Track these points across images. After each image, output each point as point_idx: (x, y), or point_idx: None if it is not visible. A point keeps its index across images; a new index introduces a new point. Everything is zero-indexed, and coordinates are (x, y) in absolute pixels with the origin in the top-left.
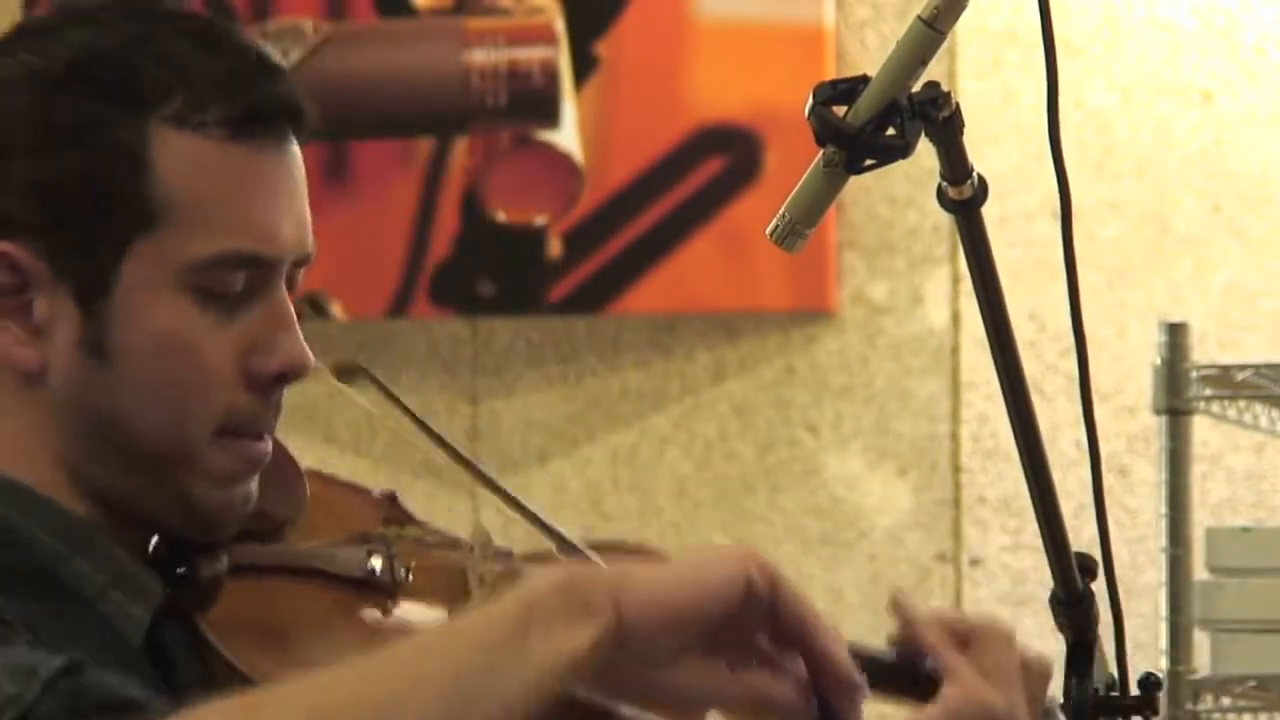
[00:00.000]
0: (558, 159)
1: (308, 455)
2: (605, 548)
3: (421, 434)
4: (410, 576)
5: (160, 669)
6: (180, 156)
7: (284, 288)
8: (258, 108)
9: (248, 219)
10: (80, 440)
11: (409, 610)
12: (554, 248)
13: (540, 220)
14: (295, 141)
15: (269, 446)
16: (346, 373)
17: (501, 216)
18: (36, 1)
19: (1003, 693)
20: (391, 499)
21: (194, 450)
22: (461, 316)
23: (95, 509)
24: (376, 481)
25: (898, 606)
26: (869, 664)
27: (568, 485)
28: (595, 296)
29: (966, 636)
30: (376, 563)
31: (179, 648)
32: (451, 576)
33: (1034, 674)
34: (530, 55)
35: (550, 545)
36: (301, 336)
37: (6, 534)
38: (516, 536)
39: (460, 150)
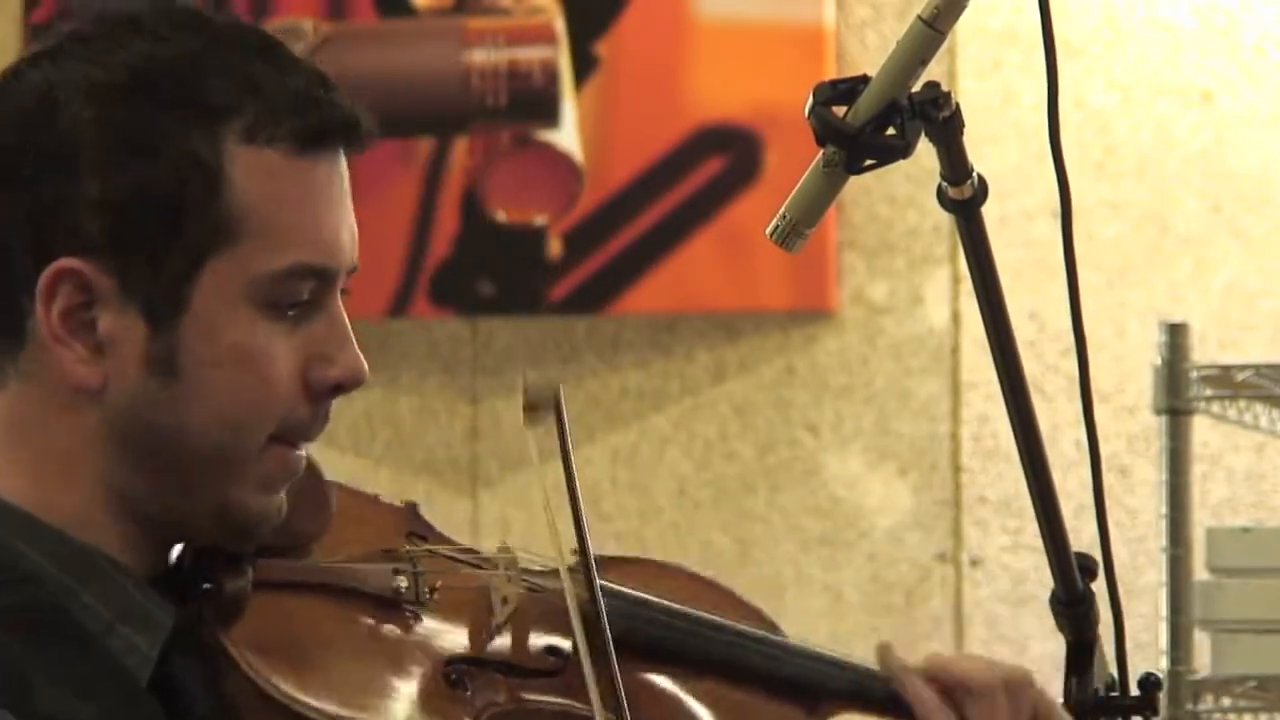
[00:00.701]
0: (558, 159)
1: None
2: (616, 564)
3: (565, 488)
4: (434, 596)
5: (172, 705)
6: (252, 170)
7: (339, 299)
8: (325, 122)
9: (316, 232)
10: (128, 455)
11: (432, 629)
12: (554, 248)
13: (540, 220)
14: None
15: (305, 456)
16: (535, 406)
17: (501, 216)
18: (38, 2)
19: None
20: (413, 511)
21: (247, 458)
22: (461, 316)
23: (122, 527)
24: (377, 481)
25: (885, 660)
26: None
27: None
28: (595, 296)
29: (958, 689)
30: (402, 582)
31: (193, 679)
32: (474, 596)
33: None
34: (530, 55)
35: (563, 566)
36: (356, 347)
37: (14, 570)
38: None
39: (460, 150)
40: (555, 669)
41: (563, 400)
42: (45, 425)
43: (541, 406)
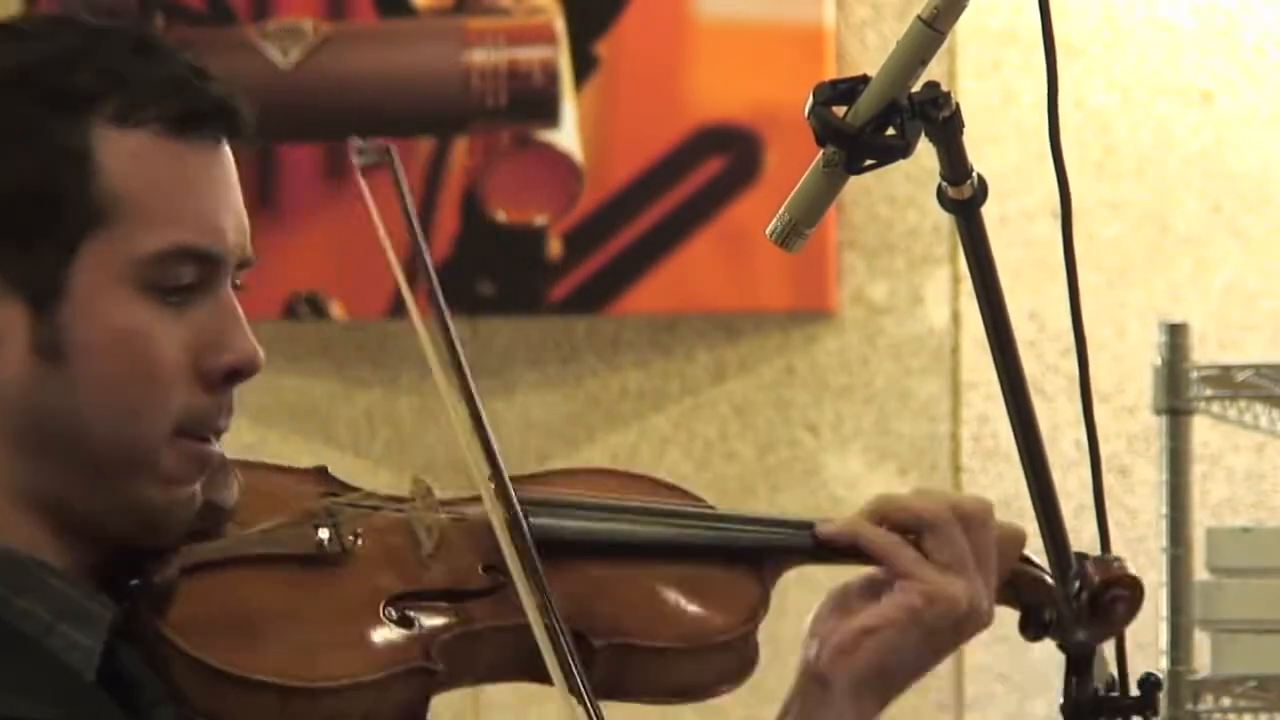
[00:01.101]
0: (558, 159)
1: (308, 455)
2: (540, 478)
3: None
4: (359, 542)
5: (122, 695)
6: (123, 153)
7: (230, 287)
8: (195, 106)
9: (193, 213)
10: (30, 451)
11: (364, 574)
12: (554, 248)
13: (540, 220)
14: (228, 145)
15: (220, 449)
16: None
17: (501, 216)
18: (37, 1)
19: (965, 581)
20: (322, 472)
21: (149, 451)
22: (461, 316)
23: (41, 529)
24: (376, 481)
25: (826, 538)
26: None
27: None
28: (595, 296)
29: (917, 528)
30: (324, 534)
31: (140, 668)
32: (399, 534)
33: (1005, 545)
34: (530, 55)
35: (482, 483)
36: (251, 333)
37: None
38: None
39: (460, 150)
40: (495, 585)
41: (396, 159)
42: None
43: (373, 165)
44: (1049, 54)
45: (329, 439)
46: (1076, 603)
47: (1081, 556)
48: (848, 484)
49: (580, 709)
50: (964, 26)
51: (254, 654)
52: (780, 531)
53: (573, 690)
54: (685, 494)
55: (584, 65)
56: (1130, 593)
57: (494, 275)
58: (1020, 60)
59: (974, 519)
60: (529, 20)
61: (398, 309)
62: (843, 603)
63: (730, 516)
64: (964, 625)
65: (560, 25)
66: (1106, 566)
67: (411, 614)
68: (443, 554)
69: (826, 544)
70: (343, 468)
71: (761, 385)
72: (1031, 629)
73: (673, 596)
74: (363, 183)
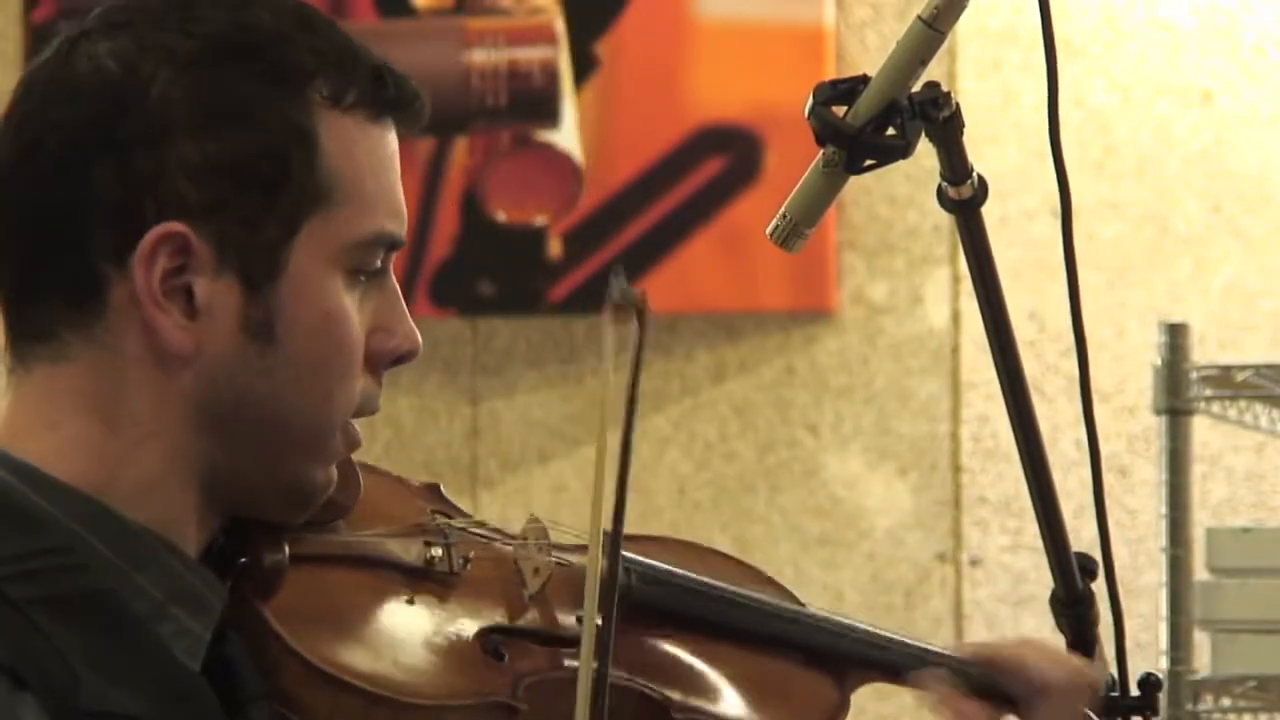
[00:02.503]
0: (558, 159)
1: None
2: (646, 540)
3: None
4: (468, 566)
5: (224, 686)
6: (338, 135)
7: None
8: (399, 94)
9: (393, 200)
10: (214, 424)
11: (467, 599)
12: (554, 248)
13: (540, 220)
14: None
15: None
16: (625, 306)
17: (501, 216)
18: (38, 2)
19: None
20: (436, 490)
21: (331, 433)
22: (461, 316)
23: (188, 502)
24: None
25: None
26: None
27: (568, 485)
28: (595, 296)
29: (1043, 690)
30: (436, 552)
31: (242, 660)
32: (505, 568)
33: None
34: (530, 55)
35: (594, 534)
36: (410, 318)
37: (68, 554)
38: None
39: (460, 150)
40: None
41: (647, 310)
42: (123, 395)
43: (626, 308)
44: (1049, 54)
45: None
46: None
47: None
48: (848, 484)
49: None
50: (964, 26)
51: (348, 655)
52: (872, 644)
53: None
54: (786, 593)
55: (584, 65)
56: None
57: (494, 275)
58: (1020, 60)
59: (1086, 690)
60: (529, 20)
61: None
62: None
63: (820, 617)
64: None
65: (560, 25)
66: None
67: (505, 650)
68: (545, 597)
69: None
70: None
71: (761, 385)
72: None
73: (761, 685)
74: (608, 320)
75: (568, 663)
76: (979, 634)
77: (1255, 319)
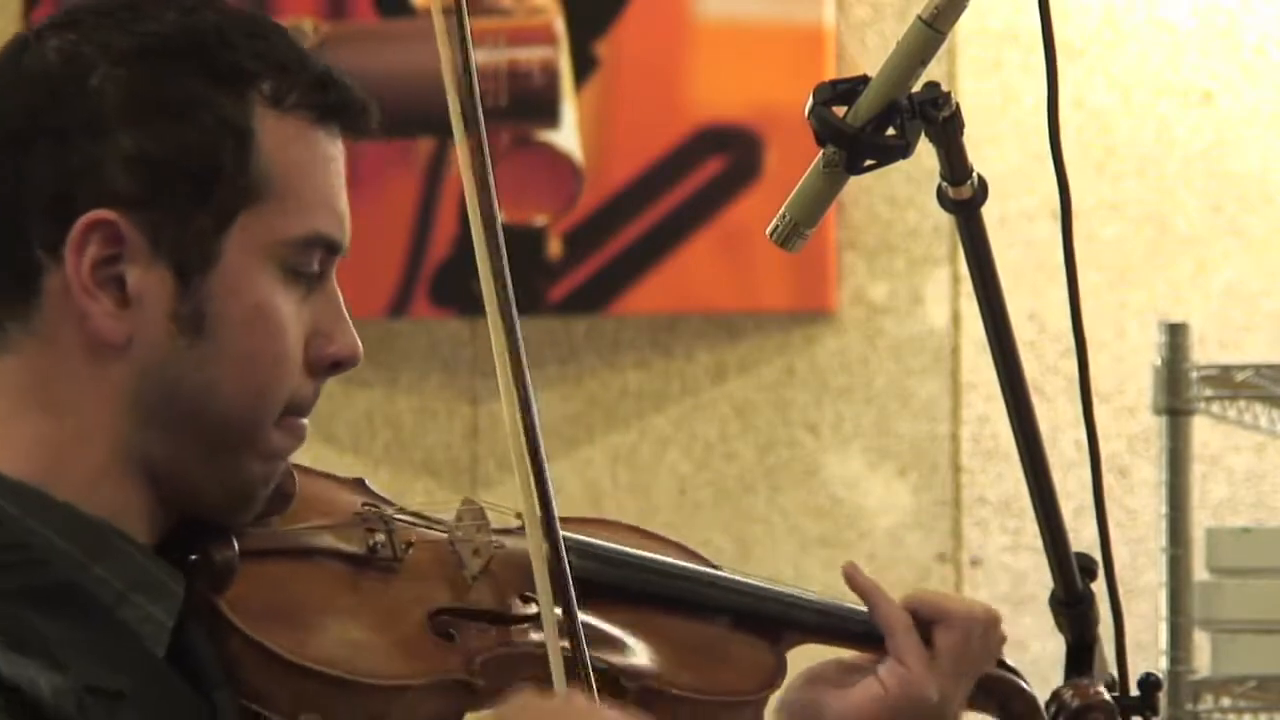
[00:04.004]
0: (558, 159)
1: (308, 455)
2: (583, 522)
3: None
4: (410, 551)
5: (188, 674)
6: (277, 134)
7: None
8: (343, 99)
9: (330, 203)
10: (149, 416)
11: (411, 583)
12: (554, 248)
13: (540, 220)
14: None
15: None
16: None
17: (501, 216)
18: (38, 2)
19: (942, 682)
20: (361, 483)
21: (264, 428)
22: (461, 316)
23: (135, 497)
24: (376, 481)
25: (851, 579)
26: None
27: (568, 485)
28: (595, 296)
29: (936, 619)
30: (379, 538)
31: (204, 648)
32: (446, 551)
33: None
34: (530, 55)
35: (529, 516)
36: (353, 327)
37: (29, 550)
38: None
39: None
40: (536, 613)
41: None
42: (62, 386)
43: None
44: (1049, 54)
45: (329, 439)
46: None
47: (1070, 683)
48: (848, 484)
49: None
50: (964, 26)
51: (305, 642)
52: (801, 606)
53: None
54: (716, 567)
55: (584, 65)
56: (1105, 717)
57: None
58: (1020, 60)
59: (989, 626)
60: (529, 20)
61: (398, 309)
62: (813, 679)
63: (752, 584)
64: (925, 716)
65: (560, 25)
66: (1083, 691)
67: (455, 630)
68: (487, 577)
69: (849, 582)
70: (343, 467)
71: (761, 385)
72: None
73: (703, 651)
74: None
75: (517, 639)
76: None
77: (1255, 319)
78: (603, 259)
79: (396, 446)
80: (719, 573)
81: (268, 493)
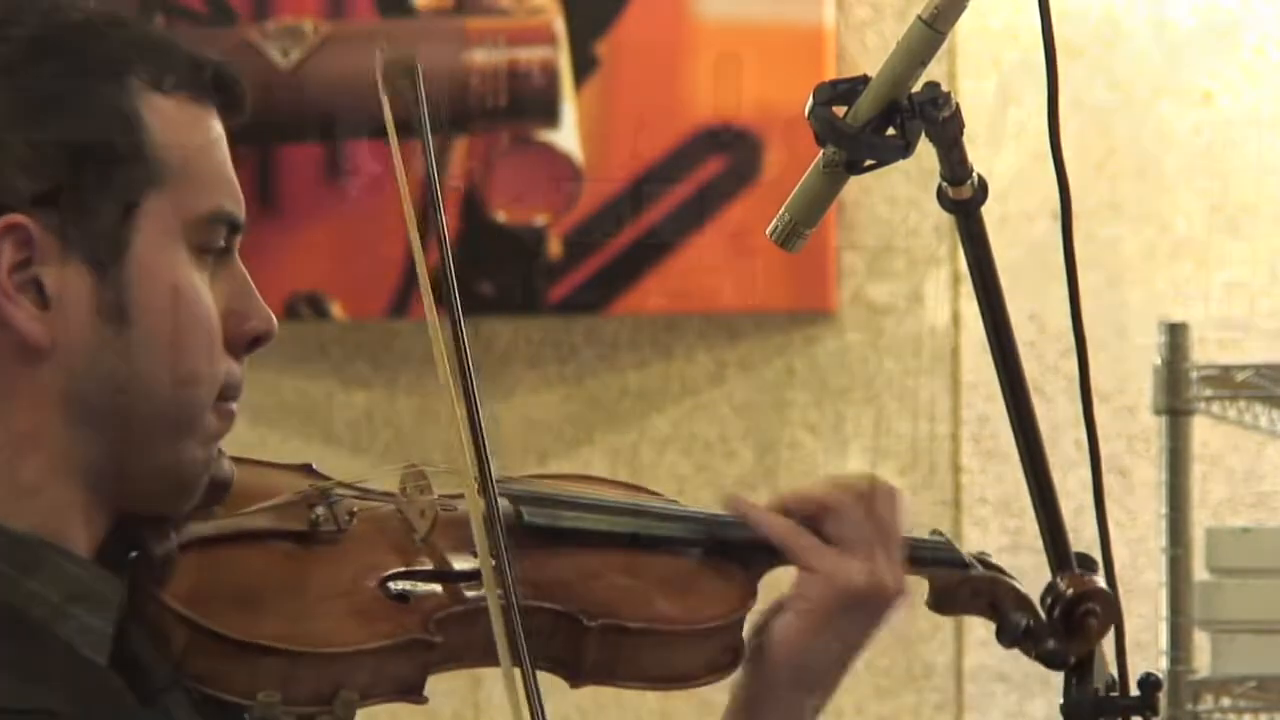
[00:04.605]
0: (558, 159)
1: (308, 455)
2: (540, 479)
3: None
4: (353, 521)
5: (133, 678)
6: (164, 117)
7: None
8: (219, 76)
9: (224, 178)
10: (83, 414)
11: (360, 552)
12: (554, 248)
13: (540, 220)
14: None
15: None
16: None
17: (501, 216)
18: None
19: (859, 566)
20: (308, 468)
21: (200, 412)
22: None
23: (72, 500)
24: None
25: (733, 506)
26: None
27: None
28: (595, 296)
29: (817, 514)
30: (320, 512)
31: (147, 653)
32: (392, 517)
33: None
34: (530, 55)
35: (465, 473)
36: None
37: None
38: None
39: (460, 150)
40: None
41: (420, 76)
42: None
43: (396, 75)
44: (1049, 54)
45: (329, 439)
46: (1050, 616)
47: (1061, 571)
48: None
49: (523, 690)
50: (964, 26)
51: (258, 622)
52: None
53: (519, 667)
54: (671, 501)
55: (584, 65)
56: (1102, 606)
57: (494, 275)
58: (1020, 60)
59: (870, 497)
60: (529, 20)
61: (398, 309)
62: (775, 604)
63: (714, 515)
64: (870, 604)
65: (560, 25)
66: (1079, 581)
67: (407, 591)
68: (435, 539)
69: (731, 511)
70: (342, 467)
71: (761, 385)
72: (1006, 638)
73: (664, 584)
74: (384, 95)
75: (469, 594)
76: (979, 634)
77: (1255, 319)
78: (603, 259)
79: (396, 446)
80: (679, 507)
81: (208, 478)
